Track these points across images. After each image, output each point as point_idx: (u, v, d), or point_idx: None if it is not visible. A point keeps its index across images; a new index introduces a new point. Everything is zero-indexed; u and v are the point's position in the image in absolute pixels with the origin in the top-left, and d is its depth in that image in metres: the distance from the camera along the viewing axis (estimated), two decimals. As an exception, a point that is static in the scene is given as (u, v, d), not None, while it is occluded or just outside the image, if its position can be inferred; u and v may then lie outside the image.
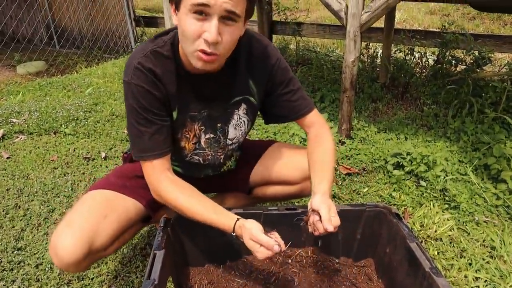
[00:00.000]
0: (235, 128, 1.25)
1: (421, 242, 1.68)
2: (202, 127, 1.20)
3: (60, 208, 1.87)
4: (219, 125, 1.22)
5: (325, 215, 0.99)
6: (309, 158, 1.24)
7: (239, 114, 1.23)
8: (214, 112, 1.18)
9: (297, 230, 1.30)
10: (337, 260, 1.35)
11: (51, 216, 1.82)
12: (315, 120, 1.27)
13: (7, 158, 2.34)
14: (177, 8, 0.96)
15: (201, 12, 0.90)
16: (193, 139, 1.21)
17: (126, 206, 1.17)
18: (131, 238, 1.33)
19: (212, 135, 1.23)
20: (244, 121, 1.26)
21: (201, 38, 0.93)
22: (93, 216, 1.08)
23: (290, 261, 1.31)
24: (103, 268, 1.52)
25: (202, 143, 1.23)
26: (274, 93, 1.23)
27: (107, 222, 1.09)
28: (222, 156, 1.32)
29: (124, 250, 1.61)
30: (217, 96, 1.16)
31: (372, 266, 1.33)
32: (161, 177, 1.10)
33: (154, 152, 1.08)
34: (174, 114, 1.13)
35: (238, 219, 1.05)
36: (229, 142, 1.28)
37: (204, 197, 1.12)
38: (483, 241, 1.69)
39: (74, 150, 2.42)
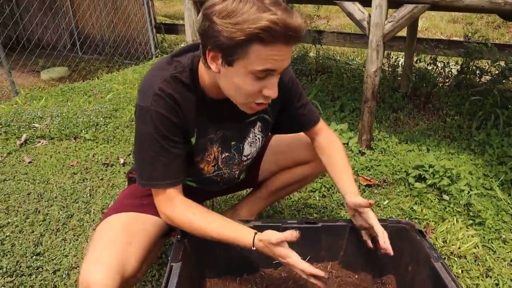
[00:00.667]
0: (250, 145, 1.27)
1: (444, 258, 1.62)
2: (219, 148, 1.20)
3: (78, 214, 1.89)
4: (233, 143, 1.22)
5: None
6: (328, 163, 1.31)
7: (254, 132, 1.26)
8: (228, 131, 1.19)
9: (316, 244, 1.28)
10: (357, 276, 1.32)
11: (69, 221, 1.84)
12: (322, 126, 1.35)
13: (29, 162, 2.38)
14: (228, 63, 0.92)
15: (265, 74, 0.92)
16: (213, 161, 1.22)
17: (146, 228, 1.14)
18: (156, 255, 1.34)
19: (227, 154, 1.23)
20: (259, 138, 1.28)
21: (260, 93, 0.96)
22: (118, 246, 1.03)
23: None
24: (119, 276, 1.51)
25: (220, 163, 1.24)
26: (288, 108, 1.27)
27: (133, 249, 1.06)
28: (237, 172, 1.33)
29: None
30: (233, 116, 1.15)
31: (393, 284, 1.29)
32: (174, 203, 1.07)
33: (166, 181, 1.05)
34: (193, 140, 1.13)
35: (256, 233, 1.02)
36: (244, 158, 1.30)
37: (217, 215, 1.09)
38: (511, 260, 1.62)
39: (94, 156, 2.45)
